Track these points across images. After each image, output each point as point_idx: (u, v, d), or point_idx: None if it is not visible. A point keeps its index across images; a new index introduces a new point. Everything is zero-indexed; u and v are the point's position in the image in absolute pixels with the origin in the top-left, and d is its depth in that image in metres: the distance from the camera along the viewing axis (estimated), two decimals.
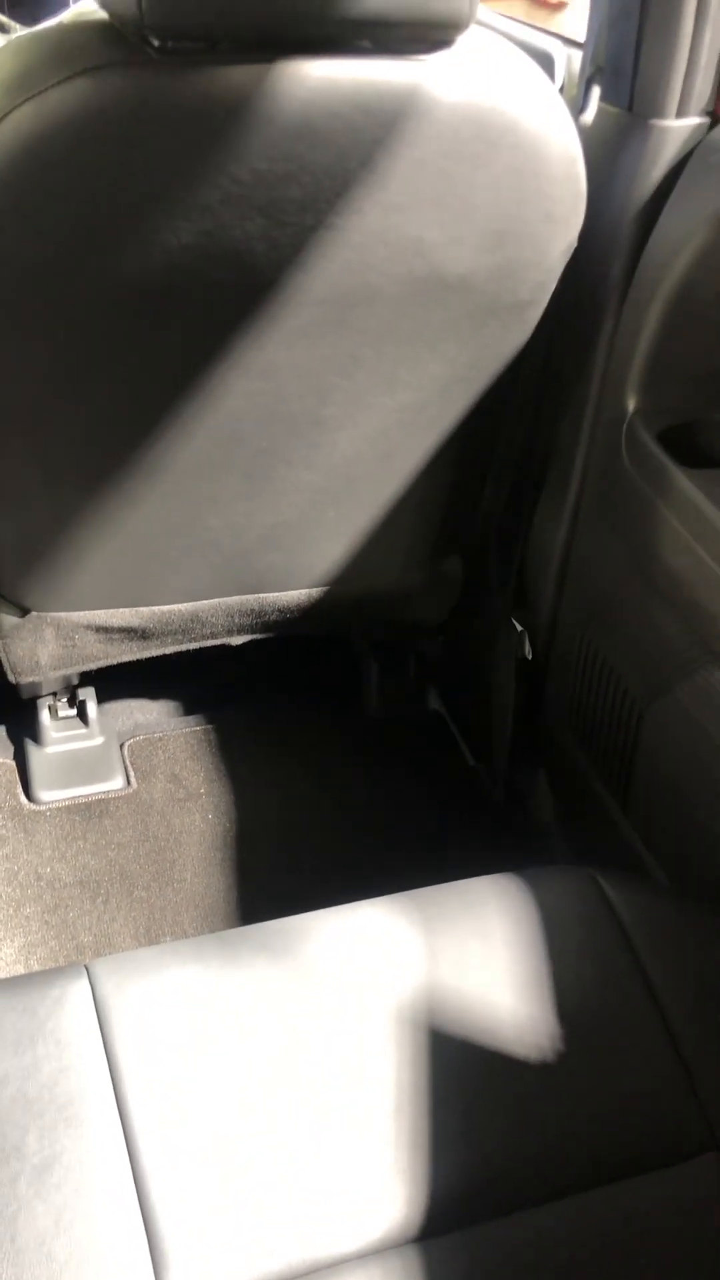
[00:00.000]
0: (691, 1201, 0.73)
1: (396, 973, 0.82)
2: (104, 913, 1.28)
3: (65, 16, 1.29)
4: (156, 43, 0.80)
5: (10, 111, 0.79)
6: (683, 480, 0.99)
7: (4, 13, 1.34)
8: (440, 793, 1.45)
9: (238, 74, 0.80)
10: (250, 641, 1.31)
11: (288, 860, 1.34)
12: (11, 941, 1.24)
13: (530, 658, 1.29)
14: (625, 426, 1.06)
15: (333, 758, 1.49)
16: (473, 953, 0.83)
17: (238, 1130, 0.73)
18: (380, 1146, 0.73)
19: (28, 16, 1.36)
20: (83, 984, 0.79)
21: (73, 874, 1.31)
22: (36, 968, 1.22)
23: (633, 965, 0.83)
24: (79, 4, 1.27)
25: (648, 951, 0.84)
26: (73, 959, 1.23)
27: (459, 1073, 0.77)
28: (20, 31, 1.33)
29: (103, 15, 0.84)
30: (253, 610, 1.24)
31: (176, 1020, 0.78)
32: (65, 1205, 0.69)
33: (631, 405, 1.06)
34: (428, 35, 0.83)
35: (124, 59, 0.79)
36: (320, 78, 0.81)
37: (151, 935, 1.26)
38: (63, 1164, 0.70)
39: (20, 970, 1.21)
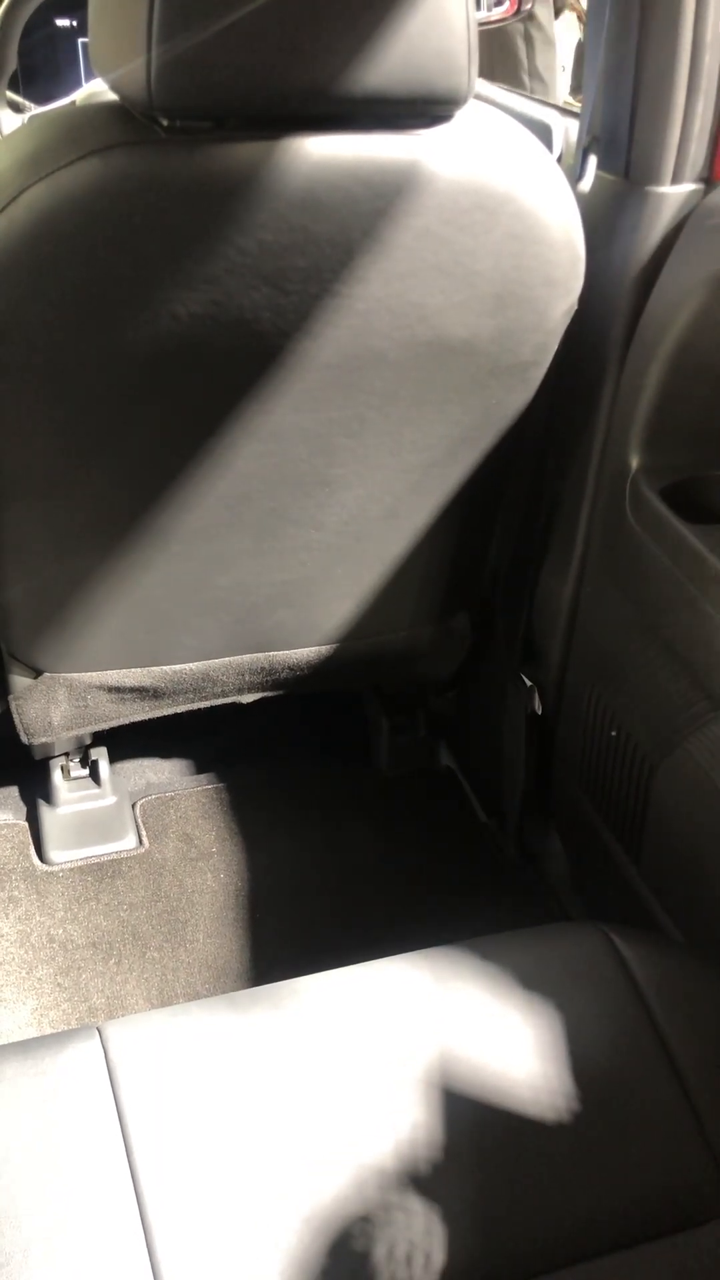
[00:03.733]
0: (709, 1266, 0.72)
1: (408, 1033, 0.81)
2: (116, 974, 1.27)
3: (77, 96, 1.34)
4: (165, 122, 0.82)
5: (25, 190, 0.82)
6: (687, 535, 1.00)
7: (18, 93, 1.39)
8: (452, 849, 1.44)
9: (243, 151, 0.83)
10: (261, 700, 1.32)
11: (300, 919, 1.34)
12: (24, 1004, 1.23)
13: (540, 713, 1.29)
14: (629, 483, 1.07)
15: (344, 815, 1.48)
16: (485, 1012, 0.83)
17: (250, 1193, 0.72)
18: (392, 1212, 0.72)
19: (41, 96, 1.41)
20: (95, 1046, 0.79)
21: (85, 935, 1.31)
22: (49, 1030, 1.21)
23: (647, 1023, 0.83)
24: (90, 84, 1.32)
25: (662, 1009, 0.84)
26: (85, 1021, 1.22)
27: (472, 1135, 0.76)
28: (34, 110, 1.37)
29: (113, 96, 0.87)
30: (263, 668, 1.24)
31: (188, 1082, 0.77)
32: (77, 1274, 0.68)
33: (634, 462, 1.07)
34: (427, 111, 0.86)
35: (133, 139, 0.82)
36: (323, 153, 0.83)
37: (164, 996, 1.25)
38: (74, 1230, 0.70)
39: (33, 1032, 1.21)
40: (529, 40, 2.82)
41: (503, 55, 2.77)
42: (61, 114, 0.91)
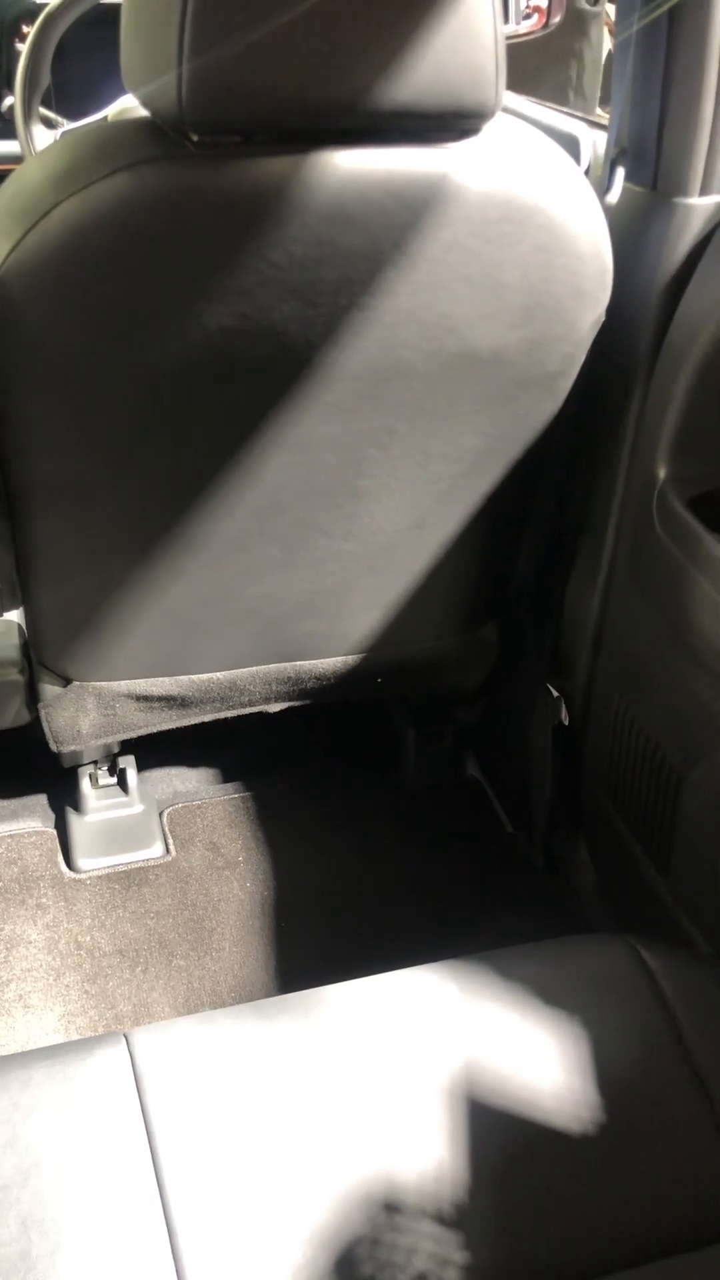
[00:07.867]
0: None
1: (433, 1043, 0.81)
2: (143, 982, 1.28)
3: (110, 111, 1.36)
4: (195, 137, 0.83)
5: (58, 204, 0.83)
6: (715, 547, 1.00)
7: (51, 108, 1.40)
8: (478, 860, 1.44)
9: (273, 165, 0.83)
10: (288, 709, 1.32)
11: (325, 928, 1.34)
12: (51, 1010, 1.24)
13: (567, 724, 1.29)
14: (656, 494, 1.07)
15: (370, 825, 1.49)
16: (510, 1023, 0.83)
17: (274, 1201, 0.72)
18: (416, 1223, 0.72)
19: (74, 112, 1.42)
20: (121, 1053, 0.79)
21: (112, 943, 1.31)
22: (76, 1036, 1.22)
23: (674, 1036, 0.82)
24: (121, 100, 1.33)
25: (689, 1022, 0.83)
26: (112, 1028, 1.23)
27: (496, 1147, 0.76)
28: (67, 126, 1.39)
29: (144, 113, 0.88)
30: (290, 678, 1.25)
31: (214, 1090, 0.78)
32: (104, 1278, 0.68)
33: (662, 473, 1.07)
34: (455, 124, 0.86)
35: (164, 154, 0.83)
36: (352, 167, 0.84)
37: (190, 1004, 1.26)
38: (101, 1235, 0.70)
39: (60, 1039, 1.21)
40: (579, 58, 2.93)
41: (553, 70, 2.88)
42: (93, 130, 0.92)
